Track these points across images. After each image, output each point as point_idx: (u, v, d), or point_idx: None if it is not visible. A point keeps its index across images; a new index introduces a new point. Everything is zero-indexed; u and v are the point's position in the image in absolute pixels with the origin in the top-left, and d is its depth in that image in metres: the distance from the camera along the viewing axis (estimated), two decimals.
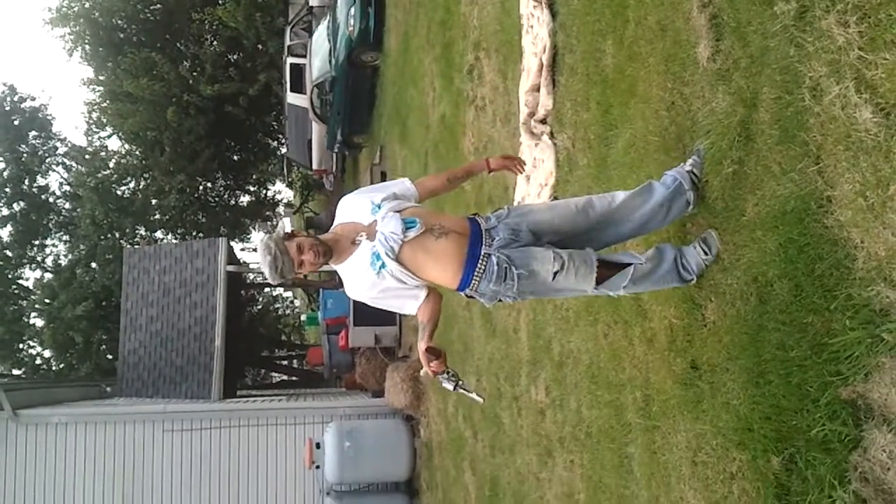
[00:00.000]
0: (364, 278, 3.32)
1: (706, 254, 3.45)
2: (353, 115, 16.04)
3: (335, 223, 3.49)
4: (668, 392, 3.88)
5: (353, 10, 14.18)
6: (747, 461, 3.18)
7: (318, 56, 16.32)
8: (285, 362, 30.75)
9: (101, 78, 24.40)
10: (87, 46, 24.47)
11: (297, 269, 3.27)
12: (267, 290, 31.61)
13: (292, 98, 18.41)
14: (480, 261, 3.23)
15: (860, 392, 2.61)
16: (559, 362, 5.52)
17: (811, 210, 2.79)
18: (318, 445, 10.89)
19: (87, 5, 24.14)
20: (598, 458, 4.81)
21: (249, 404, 12.94)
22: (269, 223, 28.11)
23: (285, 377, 27.46)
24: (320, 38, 16.46)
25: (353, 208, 3.45)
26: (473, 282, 3.26)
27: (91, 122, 25.35)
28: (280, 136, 25.99)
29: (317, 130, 18.04)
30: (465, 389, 3.37)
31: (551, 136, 5.62)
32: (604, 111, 4.70)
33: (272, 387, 25.83)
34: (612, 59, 4.61)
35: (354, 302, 13.17)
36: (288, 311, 37.86)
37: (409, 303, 3.42)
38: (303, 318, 28.62)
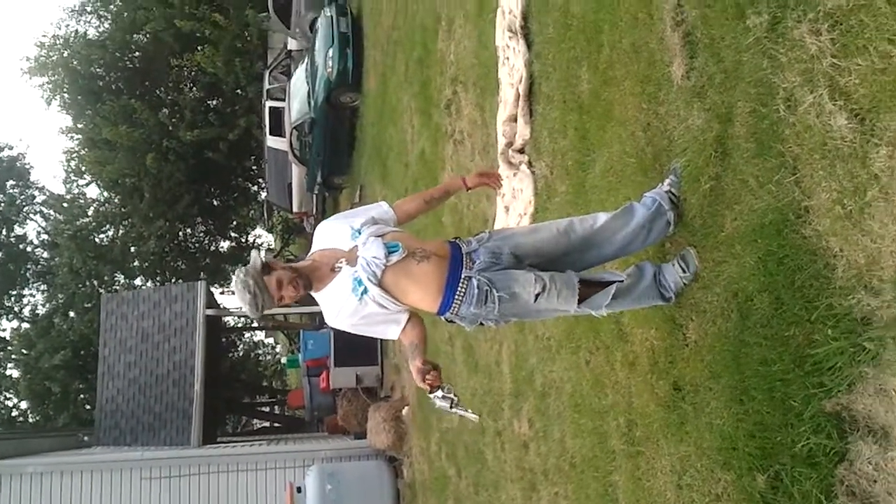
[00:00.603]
0: (345, 305, 3.25)
1: (684, 271, 3.43)
2: (333, 157, 16.06)
3: (312, 250, 3.44)
4: (652, 415, 3.82)
5: (331, 52, 14.28)
6: (732, 481, 3.12)
7: (297, 98, 16.39)
8: (267, 408, 30.39)
9: (79, 126, 24.32)
10: (66, 95, 24.43)
11: (277, 303, 3.20)
12: (247, 335, 31.45)
13: (272, 141, 18.45)
14: (461, 284, 3.18)
15: (844, 404, 2.56)
16: (542, 392, 5.45)
17: (789, 221, 2.77)
18: (298, 490, 10.70)
19: (65, 54, 24.15)
20: (582, 489, 4.72)
21: (229, 449, 12.74)
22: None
23: (267, 423, 27.11)
24: (299, 80, 16.54)
25: (332, 234, 3.39)
26: (454, 305, 3.20)
27: (69, 170, 25.20)
28: (260, 180, 25.99)
29: (297, 173, 18.06)
30: (461, 408, 3.20)
31: (529, 164, 5.61)
32: (581, 137, 4.70)
33: (254, 433, 25.48)
34: (587, 84, 4.62)
35: (335, 343, 13.16)
36: (269, 357, 37.49)
37: (391, 328, 3.34)
38: (283, 360, 28.33)
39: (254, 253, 3.34)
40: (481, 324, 3.31)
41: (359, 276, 3.17)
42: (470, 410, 3.25)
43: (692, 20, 3.44)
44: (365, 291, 3.17)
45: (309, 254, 3.44)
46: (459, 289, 3.18)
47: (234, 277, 3.20)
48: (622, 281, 3.35)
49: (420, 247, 3.25)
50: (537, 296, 3.16)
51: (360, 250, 3.20)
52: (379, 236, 3.24)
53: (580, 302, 3.25)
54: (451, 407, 3.15)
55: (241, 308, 3.23)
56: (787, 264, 2.79)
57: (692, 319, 3.47)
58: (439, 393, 3.14)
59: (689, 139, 3.44)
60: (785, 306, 2.81)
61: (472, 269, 3.21)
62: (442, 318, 3.31)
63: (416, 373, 3.17)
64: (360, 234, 3.27)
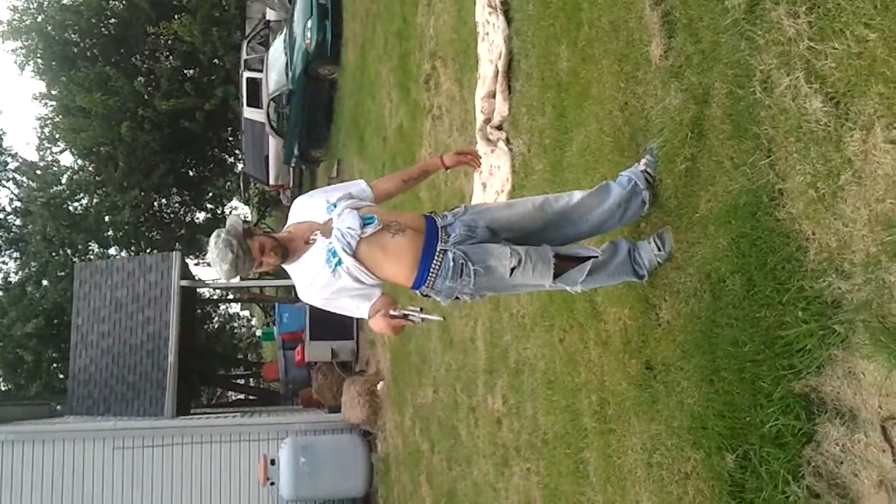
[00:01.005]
0: (318, 277, 3.24)
1: (660, 249, 3.44)
2: (311, 129, 15.94)
3: (288, 224, 3.42)
4: (624, 394, 3.84)
5: (310, 24, 14.12)
6: (702, 460, 3.15)
7: (275, 70, 16.22)
8: (242, 381, 30.33)
9: (53, 92, 23.97)
10: (40, 60, 24.03)
11: (255, 269, 3.20)
12: (223, 307, 31.31)
13: (249, 113, 18.27)
14: (436, 257, 3.18)
15: (813, 385, 2.59)
16: (516, 370, 5.47)
17: (763, 203, 2.78)
18: (272, 462, 10.72)
19: (39, 19, 23.75)
20: (554, 465, 4.76)
21: (202, 421, 12.71)
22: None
23: (242, 396, 27.08)
24: (277, 51, 16.37)
25: (308, 208, 3.38)
26: (430, 278, 3.20)
27: (43, 137, 24.83)
28: (237, 151, 25.75)
29: (274, 145, 17.91)
30: (428, 315, 3.23)
31: (507, 142, 5.60)
32: (559, 115, 4.69)
33: (228, 405, 25.44)
34: (566, 62, 4.60)
35: (311, 316, 13.14)
36: (244, 330, 37.39)
37: (362, 304, 3.33)
38: (258, 333, 28.26)
39: (233, 215, 3.32)
40: (457, 298, 3.31)
41: (333, 247, 3.17)
42: (435, 314, 3.27)
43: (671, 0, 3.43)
44: (339, 263, 3.16)
45: (285, 227, 3.42)
46: (434, 262, 3.18)
47: (212, 237, 3.17)
48: (597, 257, 3.36)
49: (395, 220, 3.25)
50: (513, 269, 3.17)
51: (336, 222, 3.20)
52: (355, 209, 3.24)
53: (556, 277, 3.26)
54: (421, 319, 3.21)
55: (216, 269, 3.19)
56: (759, 246, 2.81)
57: (665, 299, 3.48)
58: (402, 312, 3.20)
59: (665, 119, 3.44)
60: (757, 288, 2.83)
61: (447, 242, 3.21)
62: (417, 292, 3.31)
63: (381, 318, 3.21)
64: (335, 207, 3.26)
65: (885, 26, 2.24)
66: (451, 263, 3.16)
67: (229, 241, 3.09)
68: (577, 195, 3.43)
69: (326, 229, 3.21)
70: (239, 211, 32.89)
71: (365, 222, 3.17)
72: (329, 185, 3.65)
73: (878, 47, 2.26)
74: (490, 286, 3.27)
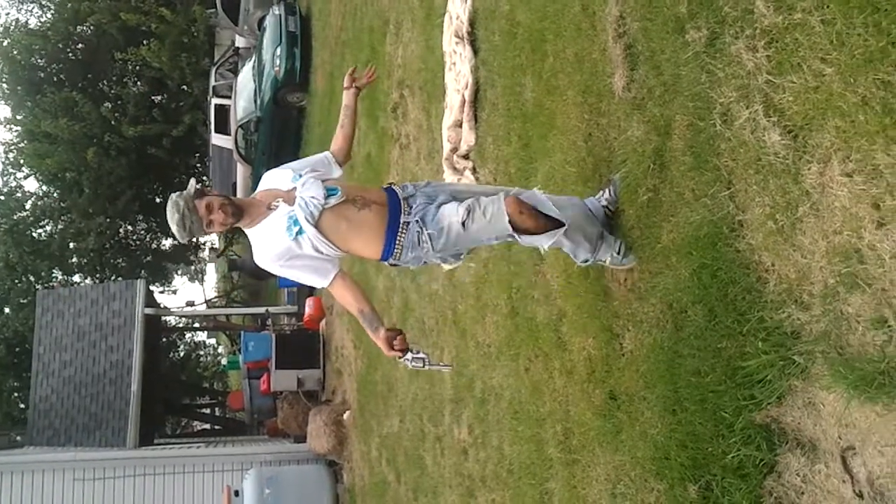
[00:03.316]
0: (277, 243, 3.25)
1: (619, 254, 3.45)
2: (279, 156, 15.87)
3: (256, 192, 3.45)
4: (588, 424, 3.83)
5: (279, 51, 14.16)
6: (664, 490, 3.14)
7: (244, 96, 16.21)
8: (207, 410, 29.92)
9: (18, 117, 23.70)
10: (5, 84, 23.77)
11: (205, 228, 3.21)
12: (188, 336, 30.94)
13: (217, 139, 18.21)
14: (401, 229, 3.24)
15: (773, 416, 2.60)
16: (482, 399, 5.45)
17: (723, 235, 2.80)
18: (236, 493, 10.58)
19: (5, 43, 23.52)
20: (519, 496, 4.73)
21: (165, 451, 12.50)
22: (191, 267, 27.37)
23: (207, 426, 26.71)
24: (246, 78, 16.36)
25: (274, 179, 3.42)
26: (396, 251, 3.27)
27: (7, 162, 24.50)
28: (205, 178, 25.59)
29: (242, 172, 17.84)
30: (434, 364, 3.23)
31: (473, 171, 5.61)
32: (524, 144, 4.71)
33: (193, 436, 25.08)
34: (531, 93, 4.64)
35: (277, 345, 13.03)
36: (210, 358, 36.95)
37: (317, 277, 3.32)
38: (223, 361, 27.93)
39: (191, 181, 3.35)
40: (426, 263, 3.39)
41: (295, 215, 3.19)
42: (442, 362, 3.38)
43: (633, 32, 3.47)
44: (300, 232, 3.19)
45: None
46: (399, 235, 3.25)
47: (168, 202, 3.22)
48: (565, 225, 3.25)
49: (360, 195, 3.29)
50: (464, 222, 3.19)
51: (299, 190, 3.24)
52: (320, 181, 3.28)
53: (525, 233, 3.24)
54: (424, 366, 3.18)
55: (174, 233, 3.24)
56: (720, 277, 2.82)
57: (629, 329, 3.49)
58: (409, 356, 3.17)
59: (628, 150, 3.47)
60: (718, 318, 2.84)
61: (409, 213, 3.26)
62: (386, 263, 3.37)
63: (382, 342, 3.18)
64: (300, 178, 3.30)
65: (840, 61, 2.27)
66: (414, 236, 3.22)
67: (177, 202, 3.16)
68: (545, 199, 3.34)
69: (290, 197, 3.24)
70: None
71: (329, 193, 3.22)
72: None
73: (835, 82, 2.30)
74: (453, 244, 3.28)
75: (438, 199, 3.30)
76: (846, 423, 2.33)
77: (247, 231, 3.37)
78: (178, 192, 3.21)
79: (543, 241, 3.29)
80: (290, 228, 3.19)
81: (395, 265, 3.40)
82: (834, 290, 2.33)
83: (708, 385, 2.87)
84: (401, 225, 3.23)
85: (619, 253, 3.45)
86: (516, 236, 3.26)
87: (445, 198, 3.31)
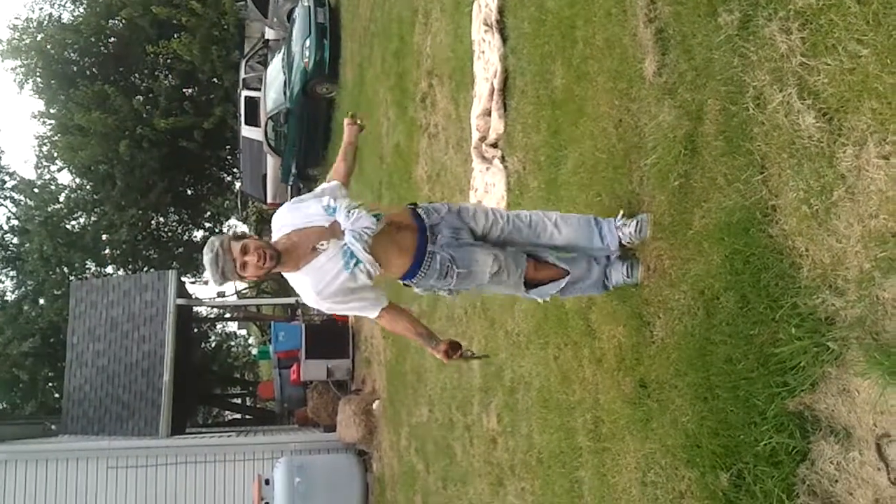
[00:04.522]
0: (335, 282, 3.22)
1: (629, 277, 3.61)
2: (308, 148, 15.96)
3: (275, 236, 3.37)
4: (618, 412, 3.81)
5: (308, 42, 14.17)
6: (696, 479, 3.12)
7: (273, 88, 16.26)
8: (238, 400, 30.20)
9: (52, 111, 23.99)
10: (39, 79, 24.03)
11: (239, 270, 3.14)
12: (220, 326, 31.21)
13: (247, 131, 18.27)
14: (426, 258, 3.30)
15: (807, 403, 2.57)
16: (511, 388, 5.44)
17: (756, 220, 2.77)
18: (266, 482, 10.64)
19: (39, 38, 23.79)
20: (549, 485, 4.72)
21: (197, 440, 12.63)
22: None
23: (238, 415, 26.95)
24: (275, 70, 16.41)
25: (301, 216, 3.33)
26: (418, 276, 3.34)
27: (41, 155, 24.82)
28: (235, 169, 25.75)
29: (271, 163, 17.89)
30: (477, 356, 3.63)
31: (502, 159, 5.59)
32: (553, 132, 4.68)
33: (224, 425, 25.31)
34: (561, 80, 4.61)
35: (306, 335, 13.09)
36: (241, 349, 37.24)
37: (369, 311, 3.38)
38: (254, 351, 28.12)
39: (236, 225, 3.39)
40: (434, 292, 3.49)
41: (350, 248, 3.17)
42: (479, 352, 3.77)
43: (665, 17, 3.43)
44: (357, 263, 3.19)
45: (273, 239, 3.37)
46: (425, 262, 3.31)
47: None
48: (570, 273, 3.54)
49: (392, 218, 3.32)
50: (493, 275, 3.38)
51: (346, 223, 3.19)
52: (356, 207, 3.24)
53: (530, 287, 3.52)
54: (470, 358, 3.52)
55: (210, 283, 3.29)
56: (753, 263, 2.79)
57: (659, 317, 3.46)
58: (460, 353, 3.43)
59: (659, 136, 3.44)
60: (750, 305, 2.81)
61: (436, 243, 3.32)
62: (400, 281, 3.43)
63: (442, 356, 3.35)
64: (335, 209, 3.25)
65: (877, 42, 2.23)
66: (439, 266, 3.30)
67: (213, 241, 3.14)
68: (563, 232, 3.55)
69: (336, 232, 3.21)
70: (237, 230, 32.85)
71: (376, 220, 3.23)
72: None
73: (871, 63, 2.26)
74: (467, 285, 3.44)
75: (463, 238, 3.37)
76: (881, 410, 2.30)
77: (292, 275, 3.31)
78: (217, 235, 3.22)
79: (550, 290, 3.57)
80: (349, 263, 3.18)
81: (406, 285, 3.46)
82: (870, 274, 2.29)
83: (740, 372, 2.84)
84: (427, 253, 3.30)
85: (628, 276, 3.61)
86: (522, 292, 3.56)
87: (467, 236, 3.39)
